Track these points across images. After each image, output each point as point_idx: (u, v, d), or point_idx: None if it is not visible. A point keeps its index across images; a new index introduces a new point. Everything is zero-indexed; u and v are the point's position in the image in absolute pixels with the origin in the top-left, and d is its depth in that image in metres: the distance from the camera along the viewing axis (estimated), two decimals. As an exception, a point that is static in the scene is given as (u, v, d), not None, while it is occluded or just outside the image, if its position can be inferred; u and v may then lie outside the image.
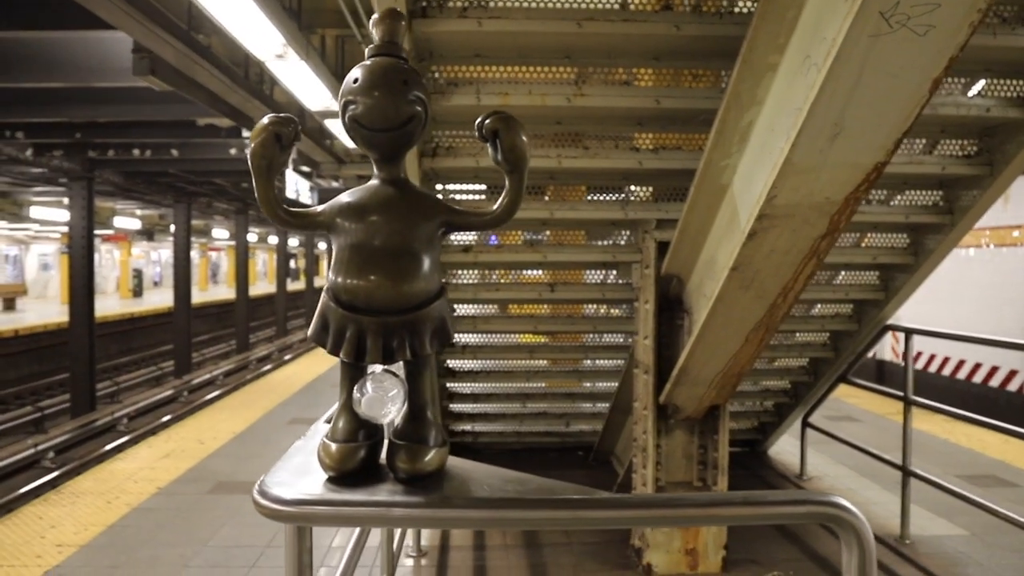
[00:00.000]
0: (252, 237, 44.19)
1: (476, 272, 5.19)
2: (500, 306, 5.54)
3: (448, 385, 6.40)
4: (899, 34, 2.30)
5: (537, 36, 3.72)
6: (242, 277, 23.36)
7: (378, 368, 1.53)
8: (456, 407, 6.73)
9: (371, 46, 1.47)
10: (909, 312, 16.41)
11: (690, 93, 3.88)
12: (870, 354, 18.55)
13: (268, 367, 17.70)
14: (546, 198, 4.70)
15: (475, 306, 5.49)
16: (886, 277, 5.29)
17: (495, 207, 1.51)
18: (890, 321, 5.48)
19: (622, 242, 4.90)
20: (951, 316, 15.09)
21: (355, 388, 1.49)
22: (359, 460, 1.51)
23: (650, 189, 4.65)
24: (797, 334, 5.95)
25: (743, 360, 3.98)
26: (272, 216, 1.50)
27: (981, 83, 4.16)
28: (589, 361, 6.17)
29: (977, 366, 15.03)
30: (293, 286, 43.03)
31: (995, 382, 14.78)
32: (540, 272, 5.26)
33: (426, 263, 1.49)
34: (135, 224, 29.08)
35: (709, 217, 3.73)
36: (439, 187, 4.57)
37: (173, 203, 19.76)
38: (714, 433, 4.65)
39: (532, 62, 3.85)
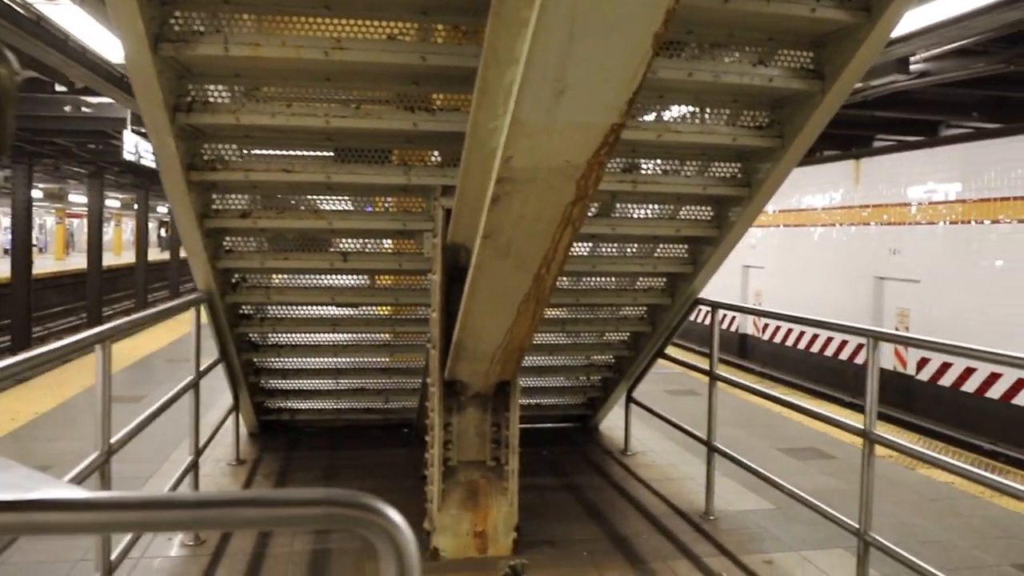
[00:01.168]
0: (115, 203, 41.95)
1: (256, 240, 4.82)
2: (292, 276, 5.18)
3: (255, 360, 6.01)
4: (603, -16, 2.09)
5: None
6: (95, 246, 22.04)
7: None
8: (267, 383, 6.36)
9: None
10: (767, 288, 16.90)
11: (458, 51, 3.61)
12: (733, 328, 19.06)
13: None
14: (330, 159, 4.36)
15: (266, 276, 5.13)
16: (694, 251, 5.22)
17: None
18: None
19: (415, 210, 4.62)
20: (807, 293, 15.61)
21: None
22: None
23: (436, 154, 4.39)
24: (614, 308, 5.84)
25: (520, 334, 3.77)
26: None
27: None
28: (394, 335, 5.89)
29: (822, 339, 15.62)
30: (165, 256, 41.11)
31: (844, 355, 15.37)
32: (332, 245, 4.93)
33: None
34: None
35: (483, 183, 3.48)
36: (205, 146, 4.18)
37: (12, 163, 18.35)
38: (506, 410, 4.46)
39: (288, 11, 3.50)
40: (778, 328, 17.50)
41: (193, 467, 4.48)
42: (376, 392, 6.51)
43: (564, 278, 5.62)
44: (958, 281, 12.75)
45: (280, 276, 5.19)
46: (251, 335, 5.75)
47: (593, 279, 5.54)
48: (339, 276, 5.13)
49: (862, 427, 3.64)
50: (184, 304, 4.58)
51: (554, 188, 2.85)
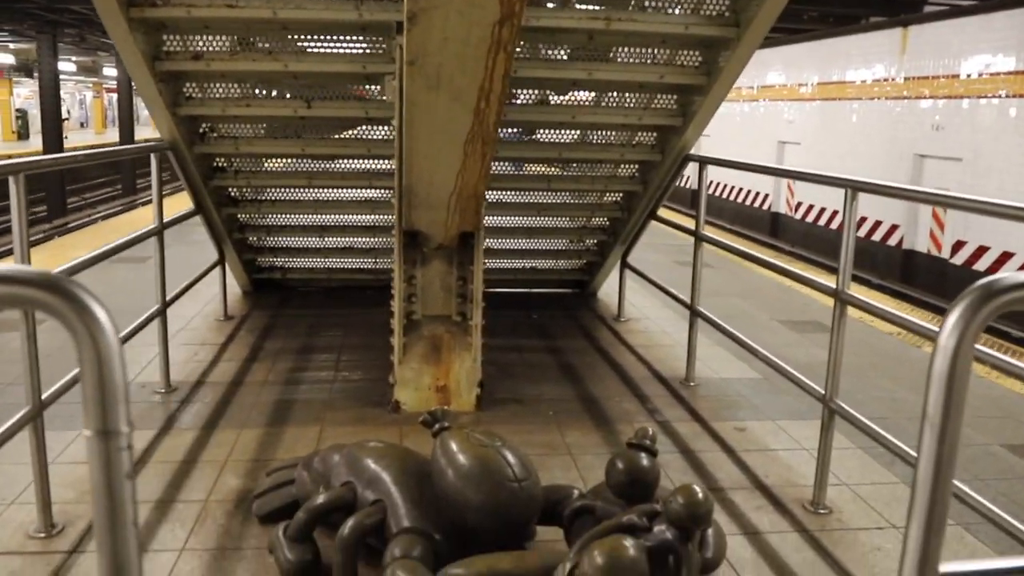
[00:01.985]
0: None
1: (219, 86, 4.61)
2: (257, 125, 5.00)
3: (238, 216, 5.91)
4: None
5: None
6: (125, 119, 22.00)
7: None
8: (253, 240, 6.28)
9: None
10: (802, 165, 16.29)
11: None
12: (765, 206, 18.52)
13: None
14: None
15: (233, 125, 4.95)
16: (683, 102, 4.89)
17: None
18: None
19: (373, 50, 4.35)
20: (844, 170, 15.01)
21: None
22: None
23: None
24: (602, 165, 5.57)
25: (472, 179, 3.57)
26: None
27: None
28: (374, 191, 5.71)
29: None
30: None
31: (876, 236, 14.90)
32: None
33: None
34: (7, 59, 26.92)
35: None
36: (166, 37, 3.97)
37: (36, 34, 18.16)
38: (471, 264, 4.31)
39: None
40: (811, 207, 17.00)
41: (160, 315, 4.44)
42: (365, 251, 6.41)
43: (546, 131, 5.37)
44: (1005, 160, 12.11)
45: (247, 125, 5.01)
46: (230, 190, 5.63)
47: (575, 133, 5.26)
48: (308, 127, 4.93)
49: (834, 287, 3.42)
50: (142, 149, 4.44)
51: (477, 5, 2.59)
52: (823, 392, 3.45)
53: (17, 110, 33.35)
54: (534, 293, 7.10)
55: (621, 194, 5.89)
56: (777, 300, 7.41)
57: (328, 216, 5.99)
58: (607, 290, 7.12)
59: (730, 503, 3.51)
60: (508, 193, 5.90)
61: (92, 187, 26.82)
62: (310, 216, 5.99)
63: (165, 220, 4.47)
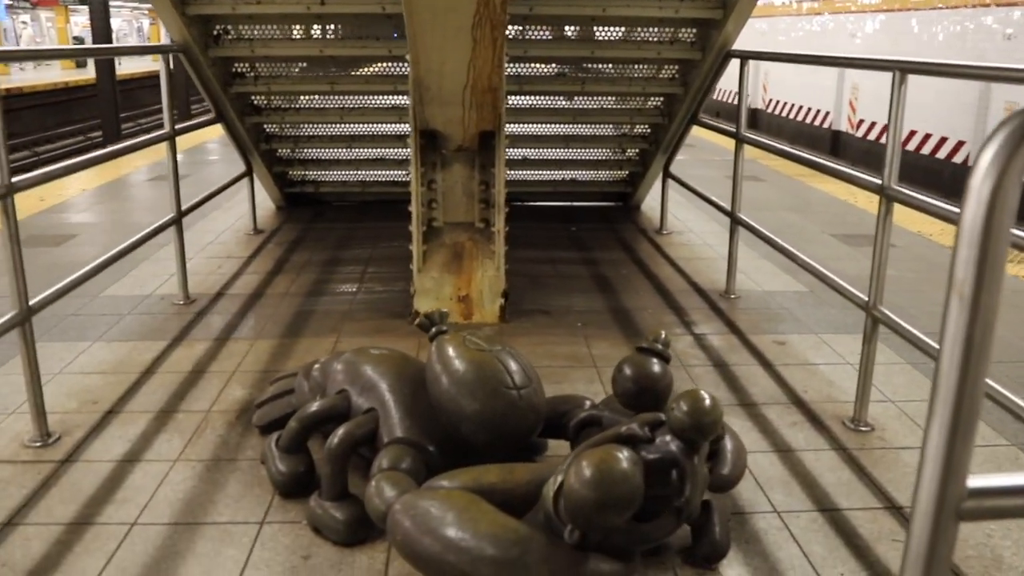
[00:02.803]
0: None
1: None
2: (271, 26, 4.74)
3: (264, 126, 5.72)
4: None
5: None
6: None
7: None
8: (282, 151, 6.09)
9: None
10: (863, 85, 15.43)
11: None
12: (826, 124, 17.75)
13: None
14: None
15: (246, 27, 4.70)
16: (725, -9, 4.48)
17: None
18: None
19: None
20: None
21: None
22: None
23: None
24: (641, 67, 5.20)
25: (485, 67, 3.29)
26: None
27: None
28: (400, 98, 5.43)
29: (918, 138, 14.30)
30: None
31: (941, 154, 14.12)
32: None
33: None
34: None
35: None
36: None
37: (83, -48, 17.98)
38: (493, 167, 4.05)
39: None
40: (873, 124, 16.17)
41: (175, 223, 4.30)
42: (397, 163, 6.18)
43: (571, 27, 5.00)
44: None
45: (261, 27, 4.76)
46: (253, 98, 5.42)
47: (608, 30, 4.88)
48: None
49: (880, 182, 3.06)
50: (149, 48, 4.24)
51: None
52: (866, 299, 3.14)
53: (74, 38, 33.58)
54: (575, 207, 6.82)
55: (661, 98, 5.52)
56: (830, 214, 6.99)
57: (355, 125, 5.75)
58: (651, 204, 6.79)
59: (763, 419, 3.26)
60: (542, 98, 5.58)
61: (147, 113, 27.03)
62: (337, 126, 5.77)
63: (177, 127, 4.29)
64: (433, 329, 2.59)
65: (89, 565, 2.30)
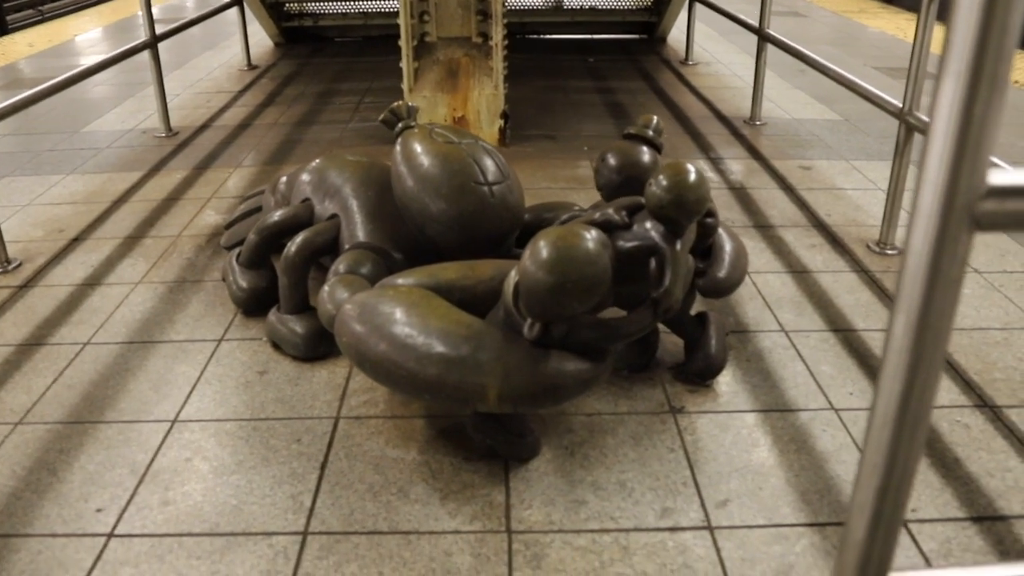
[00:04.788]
0: None
1: None
2: None
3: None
4: None
5: None
6: None
7: None
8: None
9: None
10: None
11: None
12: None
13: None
14: None
15: None
16: None
17: None
18: None
19: None
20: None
21: None
22: None
23: None
24: None
25: None
26: None
27: None
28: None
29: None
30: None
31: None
32: None
33: None
34: None
35: None
36: None
37: None
38: (489, -27, 3.63)
39: None
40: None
41: (149, 47, 3.98)
42: (399, -9, 5.71)
43: None
44: None
45: None
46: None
47: None
48: None
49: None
50: None
51: None
52: (900, 105, 2.78)
53: None
54: (594, 40, 6.33)
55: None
56: (877, 48, 6.43)
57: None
58: (677, 36, 6.29)
59: (778, 240, 2.97)
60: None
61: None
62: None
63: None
64: (400, 124, 2.30)
65: (35, 383, 2.13)
